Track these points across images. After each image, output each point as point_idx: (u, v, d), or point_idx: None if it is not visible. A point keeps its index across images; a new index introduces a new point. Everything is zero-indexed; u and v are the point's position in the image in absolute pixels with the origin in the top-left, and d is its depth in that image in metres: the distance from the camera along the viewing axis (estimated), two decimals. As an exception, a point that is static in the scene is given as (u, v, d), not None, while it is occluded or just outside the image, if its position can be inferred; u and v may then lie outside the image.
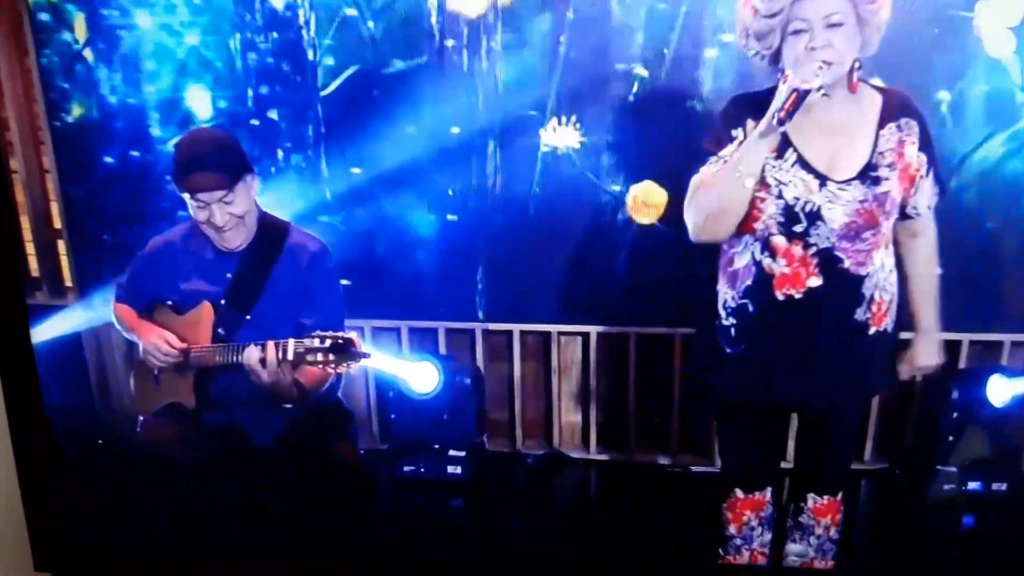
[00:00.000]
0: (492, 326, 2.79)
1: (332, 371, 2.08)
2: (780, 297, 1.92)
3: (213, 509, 2.30)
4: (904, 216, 1.98)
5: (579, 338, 2.81)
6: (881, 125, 1.89)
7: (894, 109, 1.90)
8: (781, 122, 1.75)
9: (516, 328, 2.79)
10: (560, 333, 2.80)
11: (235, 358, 2.16)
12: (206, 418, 2.30)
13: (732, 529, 2.25)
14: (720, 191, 1.86)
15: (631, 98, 2.49)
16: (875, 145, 1.88)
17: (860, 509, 2.63)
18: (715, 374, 2.10)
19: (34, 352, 2.17)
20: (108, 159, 2.71)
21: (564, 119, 2.53)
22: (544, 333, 2.81)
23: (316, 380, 2.22)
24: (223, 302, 2.26)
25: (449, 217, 2.66)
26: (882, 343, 2.00)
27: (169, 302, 2.33)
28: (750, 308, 1.96)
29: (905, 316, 2.04)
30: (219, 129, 2.47)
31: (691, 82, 2.45)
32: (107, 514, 2.36)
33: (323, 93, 2.59)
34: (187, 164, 2.17)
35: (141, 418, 2.40)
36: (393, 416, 2.74)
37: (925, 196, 1.97)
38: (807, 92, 1.74)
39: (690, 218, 1.93)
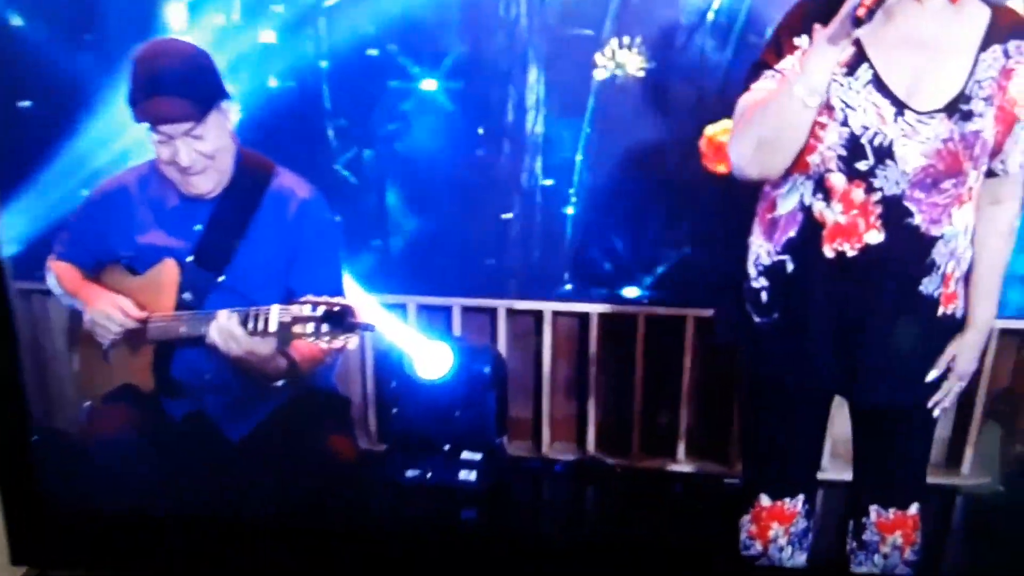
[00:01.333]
0: (519, 304, 2.63)
1: (326, 346, 1.84)
2: (829, 254, 1.72)
3: (177, 502, 2.13)
4: (989, 173, 1.76)
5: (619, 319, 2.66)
6: (984, 47, 1.67)
7: (1004, 28, 1.68)
8: (858, 22, 1.52)
9: (547, 307, 2.63)
10: (600, 315, 2.63)
11: (204, 328, 1.93)
12: (167, 404, 2.11)
13: (757, 547, 2.06)
14: (776, 111, 1.66)
15: (710, 16, 2.30)
16: (972, 71, 1.66)
17: (956, 529, 2.51)
18: (740, 352, 1.96)
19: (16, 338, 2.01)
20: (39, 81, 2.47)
21: (626, 40, 2.31)
22: (581, 314, 2.65)
23: (311, 355, 1.99)
24: (190, 260, 2.04)
25: (476, 157, 2.49)
26: (955, 327, 1.82)
27: (123, 260, 2.11)
28: (789, 266, 1.77)
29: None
30: (189, 43, 2.17)
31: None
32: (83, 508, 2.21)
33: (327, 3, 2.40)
34: (146, 85, 1.91)
35: (87, 404, 2.18)
36: (395, 410, 2.60)
37: (1021, 149, 1.74)
38: None
39: (736, 147, 1.75)
